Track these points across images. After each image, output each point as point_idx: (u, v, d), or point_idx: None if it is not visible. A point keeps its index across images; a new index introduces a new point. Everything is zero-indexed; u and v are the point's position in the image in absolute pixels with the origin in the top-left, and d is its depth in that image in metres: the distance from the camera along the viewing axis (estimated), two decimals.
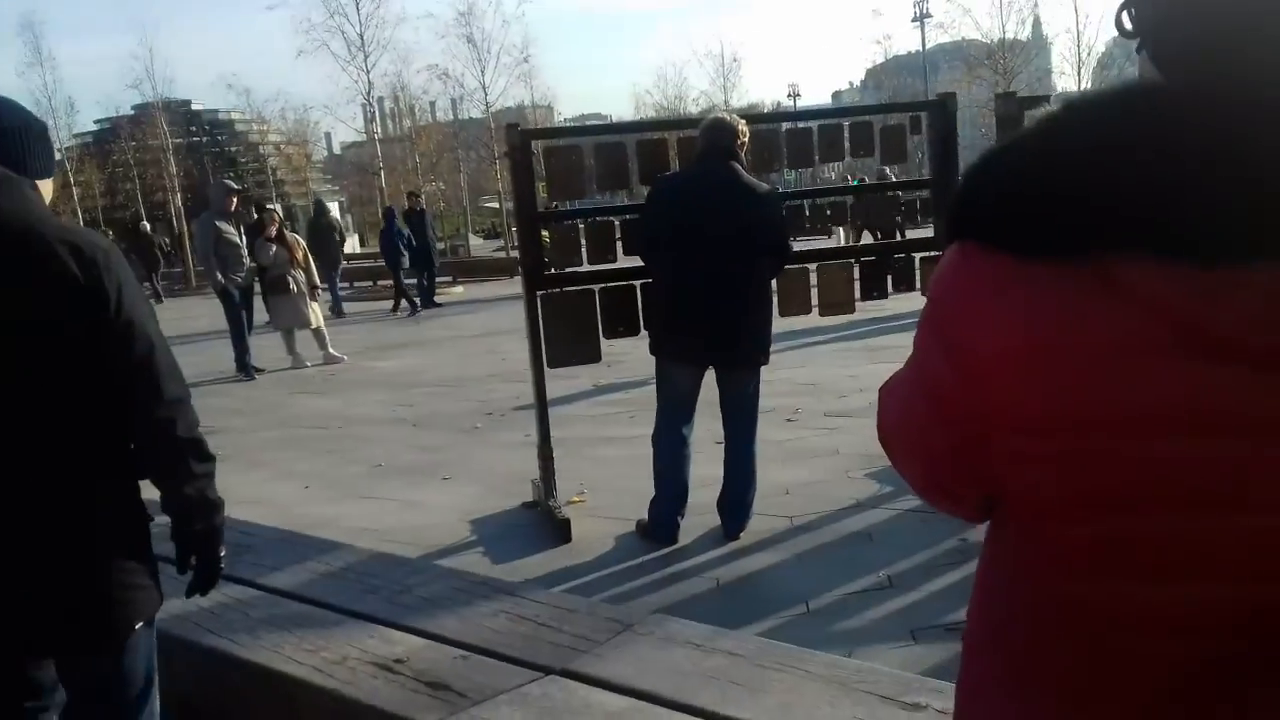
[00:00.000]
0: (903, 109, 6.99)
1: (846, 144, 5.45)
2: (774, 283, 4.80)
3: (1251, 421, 0.81)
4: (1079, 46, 26.40)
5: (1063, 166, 0.85)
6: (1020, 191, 0.87)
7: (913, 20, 44.98)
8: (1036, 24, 29.02)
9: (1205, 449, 0.82)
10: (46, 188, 1.99)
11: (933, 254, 5.36)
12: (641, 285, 4.94)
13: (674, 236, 4.50)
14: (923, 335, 0.99)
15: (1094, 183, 0.82)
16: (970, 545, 4.15)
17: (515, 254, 13.19)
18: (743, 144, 4.57)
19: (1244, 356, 0.79)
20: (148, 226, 28.73)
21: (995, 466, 0.94)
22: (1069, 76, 27.74)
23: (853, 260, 5.46)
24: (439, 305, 18.01)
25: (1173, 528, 0.85)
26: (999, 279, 0.88)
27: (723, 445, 4.83)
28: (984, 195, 0.91)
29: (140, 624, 2.02)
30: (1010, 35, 27.21)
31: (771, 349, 4.76)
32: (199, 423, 2.00)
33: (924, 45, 44.80)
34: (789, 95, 65.89)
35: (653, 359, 4.77)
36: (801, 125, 5.67)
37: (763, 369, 4.76)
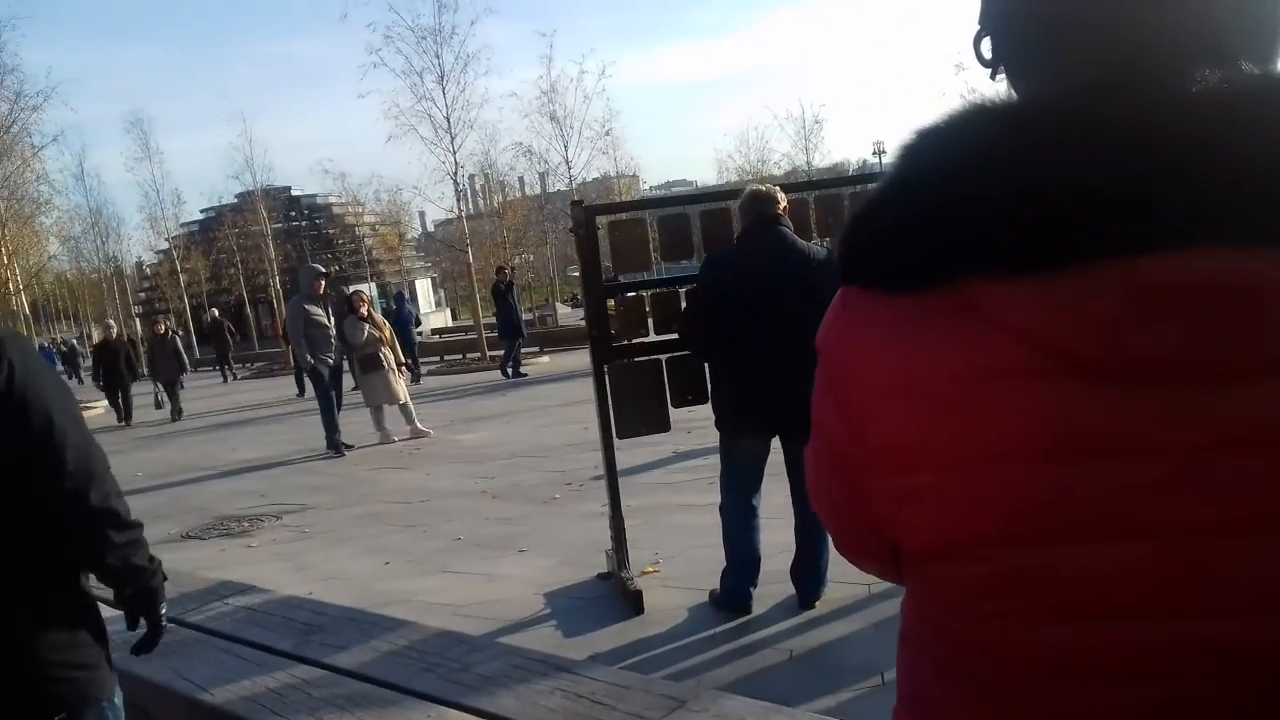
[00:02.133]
0: None
1: None
2: None
3: (1119, 441, 0.77)
4: None
5: (912, 195, 0.84)
6: (879, 226, 0.87)
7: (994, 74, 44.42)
8: None
9: (1079, 475, 0.78)
10: None
11: None
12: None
13: (734, 309, 4.50)
14: (815, 383, 0.97)
15: (939, 206, 0.81)
16: None
17: None
18: (784, 210, 4.58)
19: (1101, 372, 0.76)
20: (216, 313, 30.55)
21: (882, 511, 0.92)
22: None
23: None
24: (524, 375, 18.27)
25: (1065, 561, 0.81)
26: (868, 317, 0.88)
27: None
28: (856, 237, 0.91)
29: (85, 706, 2.02)
30: None
31: None
32: (117, 493, 1.99)
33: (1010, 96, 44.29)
34: (874, 153, 65.65)
35: None
36: (872, 186, 5.64)
37: None
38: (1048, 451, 0.78)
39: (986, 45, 0.90)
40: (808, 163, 39.16)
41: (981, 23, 0.90)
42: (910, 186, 0.85)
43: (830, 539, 1.09)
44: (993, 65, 0.90)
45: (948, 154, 0.83)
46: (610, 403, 5.01)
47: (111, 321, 20.15)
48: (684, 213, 5.26)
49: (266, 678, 3.16)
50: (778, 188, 4.69)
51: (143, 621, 2.11)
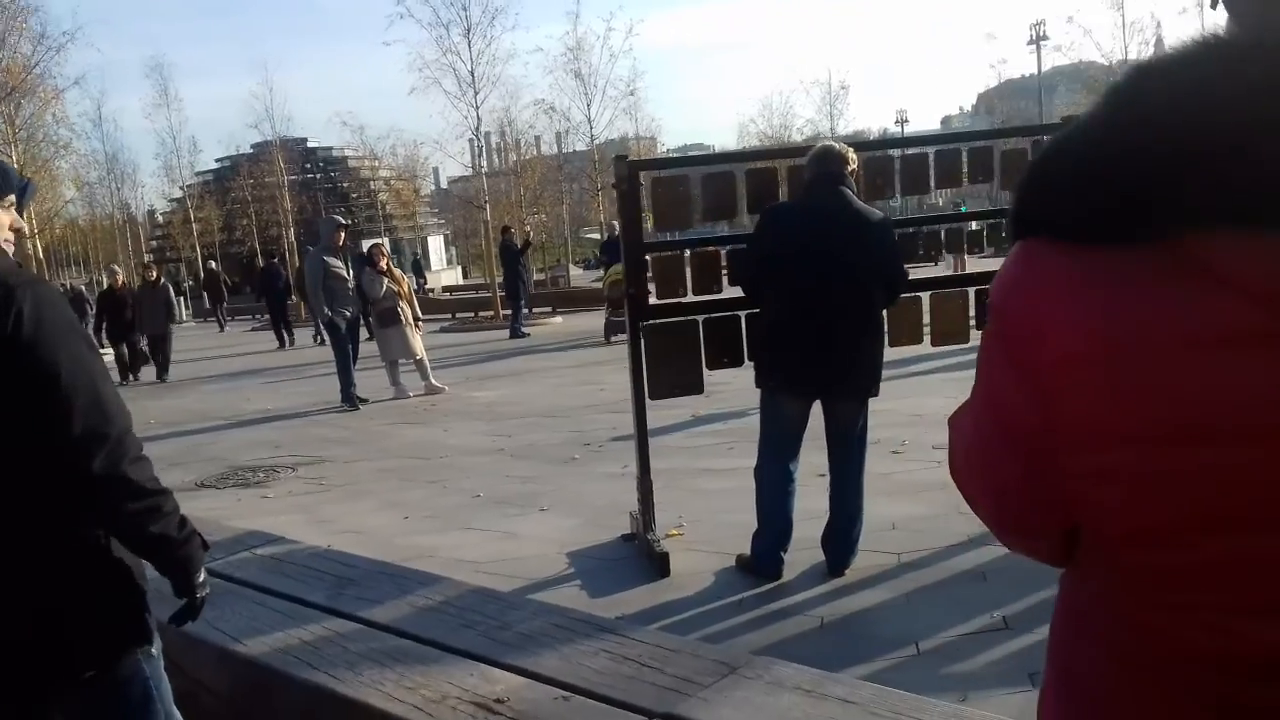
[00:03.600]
0: (1023, 133, 6.80)
1: (965, 170, 5.28)
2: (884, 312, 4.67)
3: None
4: None
5: (1132, 138, 0.74)
6: (1084, 172, 0.76)
7: (1029, 43, 43.85)
8: (1159, 45, 28.18)
9: None
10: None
11: None
12: (746, 316, 4.84)
13: (783, 265, 4.40)
14: (986, 349, 0.88)
15: (1161, 152, 0.71)
16: None
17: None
18: (853, 171, 4.46)
19: None
20: (214, 265, 32.08)
21: (1070, 491, 0.83)
22: None
23: (968, 289, 5.28)
24: (526, 335, 18.23)
25: None
26: (1064, 274, 0.77)
27: (827, 478, 4.70)
28: (1048, 183, 0.80)
29: (116, 661, 1.95)
30: (1134, 56, 26.35)
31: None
32: (133, 458, 1.83)
33: (1040, 68, 43.83)
34: (896, 121, 65.07)
35: (755, 390, 4.67)
36: (914, 151, 5.53)
37: (871, 400, 4.61)
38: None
39: None
40: (831, 129, 38.81)
41: None
42: (1129, 128, 0.75)
43: (984, 519, 0.99)
44: None
45: (1179, 95, 0.73)
46: (644, 363, 4.92)
47: (117, 267, 18.40)
48: (729, 171, 5.13)
49: (300, 630, 3.08)
50: (850, 148, 4.57)
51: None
